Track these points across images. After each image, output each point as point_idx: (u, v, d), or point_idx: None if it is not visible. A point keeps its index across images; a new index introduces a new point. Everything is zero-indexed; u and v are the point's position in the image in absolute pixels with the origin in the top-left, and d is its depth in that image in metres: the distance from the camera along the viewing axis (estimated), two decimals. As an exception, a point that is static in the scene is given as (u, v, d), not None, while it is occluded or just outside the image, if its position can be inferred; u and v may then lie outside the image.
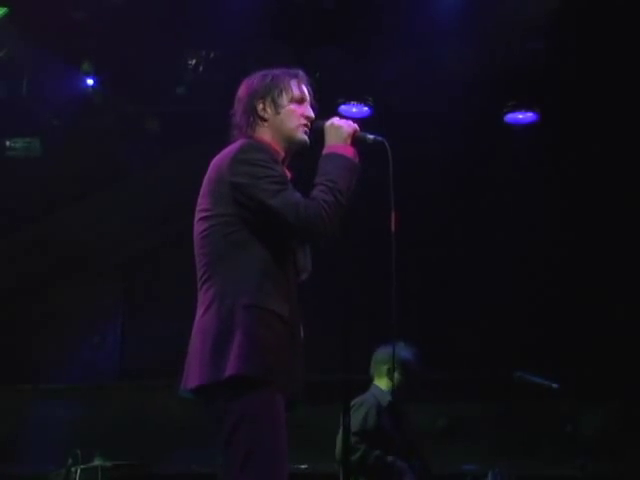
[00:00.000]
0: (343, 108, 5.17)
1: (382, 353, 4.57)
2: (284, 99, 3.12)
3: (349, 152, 2.99)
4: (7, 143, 5.87)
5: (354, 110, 5.31)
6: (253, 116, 3.09)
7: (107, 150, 5.98)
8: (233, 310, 2.84)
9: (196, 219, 2.96)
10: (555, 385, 4.52)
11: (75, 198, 6.32)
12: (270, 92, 3.13)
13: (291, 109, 3.10)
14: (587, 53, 5.70)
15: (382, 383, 4.59)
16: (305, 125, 3.07)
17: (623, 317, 6.04)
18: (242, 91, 3.15)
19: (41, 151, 5.63)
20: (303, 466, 4.80)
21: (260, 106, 3.06)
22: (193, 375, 2.85)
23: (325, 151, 2.99)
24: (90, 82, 5.79)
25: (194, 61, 5.32)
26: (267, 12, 5.00)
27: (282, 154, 3.03)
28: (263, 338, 2.86)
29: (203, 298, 2.90)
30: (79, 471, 4.86)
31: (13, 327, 6.82)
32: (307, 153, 3.05)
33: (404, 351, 4.41)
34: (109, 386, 6.67)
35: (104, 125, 5.88)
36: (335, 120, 3.01)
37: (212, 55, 5.31)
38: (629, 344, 5.86)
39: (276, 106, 3.10)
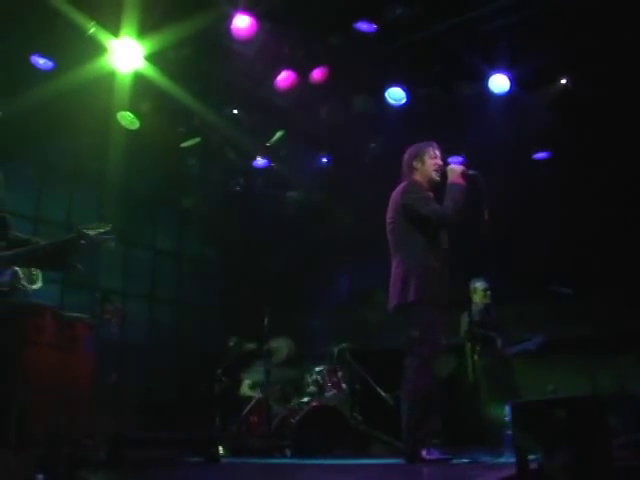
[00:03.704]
0: (451, 160, 6.06)
1: (476, 282, 7.77)
2: (426, 157, 5.12)
3: (460, 181, 4.89)
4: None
5: (455, 160, 6.92)
6: (411, 168, 5.18)
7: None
8: (411, 265, 4.83)
9: (389, 221, 5.04)
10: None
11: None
12: (419, 154, 5.17)
13: (430, 162, 5.11)
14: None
15: (477, 298, 7.73)
16: (436, 170, 5.09)
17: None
18: (407, 155, 5.18)
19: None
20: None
21: (415, 162, 5.16)
22: (392, 299, 4.91)
23: (448, 182, 4.95)
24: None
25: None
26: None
27: (427, 186, 5.07)
28: (427, 279, 4.77)
29: (395, 257, 4.98)
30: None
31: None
32: (440, 184, 5.09)
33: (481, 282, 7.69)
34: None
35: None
36: (451, 165, 5.06)
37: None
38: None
39: (422, 161, 5.14)
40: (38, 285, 4.83)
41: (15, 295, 3.63)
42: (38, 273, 4.64)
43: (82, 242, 3.35)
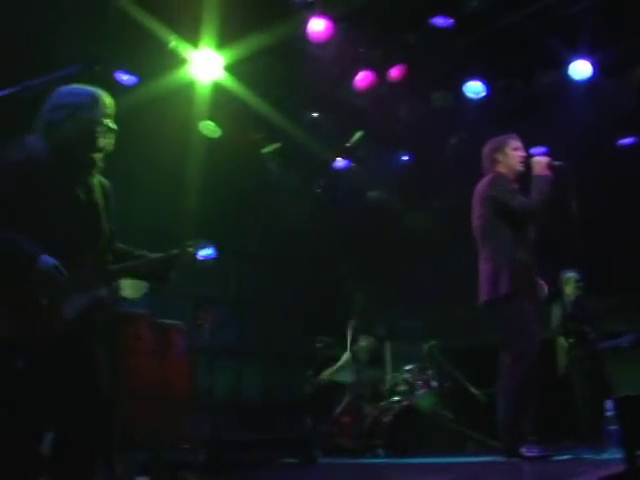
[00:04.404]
0: (534, 151, 5.93)
1: (568, 274, 7.56)
2: (508, 149, 5.11)
3: (546, 173, 4.86)
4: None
5: (538, 151, 6.54)
6: (493, 160, 5.16)
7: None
8: (500, 259, 4.81)
9: (475, 215, 4.99)
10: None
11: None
12: (500, 146, 5.18)
13: (512, 154, 5.11)
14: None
15: (568, 290, 7.51)
16: (521, 161, 5.05)
17: None
18: (487, 148, 5.17)
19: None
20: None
21: (496, 154, 5.14)
22: (482, 294, 4.90)
23: (534, 174, 4.91)
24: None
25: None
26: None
27: (512, 178, 5.03)
28: (516, 272, 4.72)
29: (482, 251, 4.96)
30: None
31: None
32: (525, 176, 5.05)
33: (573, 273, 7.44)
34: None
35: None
36: (537, 158, 4.98)
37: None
38: None
39: (504, 154, 5.12)
40: (142, 293, 5.00)
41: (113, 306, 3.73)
42: (145, 284, 4.79)
43: (185, 258, 3.46)
